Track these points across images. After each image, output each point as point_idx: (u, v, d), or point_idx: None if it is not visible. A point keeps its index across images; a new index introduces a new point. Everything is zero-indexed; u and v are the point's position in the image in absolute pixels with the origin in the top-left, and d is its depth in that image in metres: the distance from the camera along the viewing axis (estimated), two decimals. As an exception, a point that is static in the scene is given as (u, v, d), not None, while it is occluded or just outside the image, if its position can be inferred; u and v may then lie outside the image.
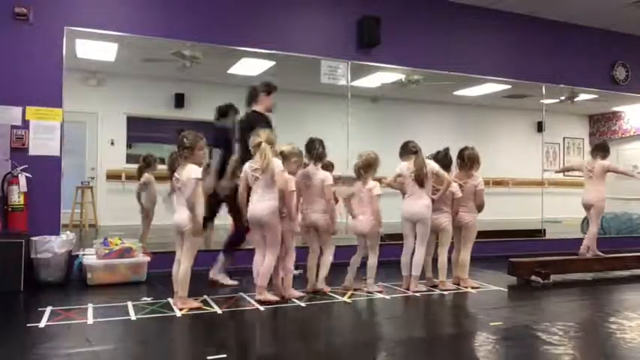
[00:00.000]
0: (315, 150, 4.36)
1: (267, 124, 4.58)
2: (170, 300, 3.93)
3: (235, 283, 4.63)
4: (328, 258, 4.36)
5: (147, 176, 5.88)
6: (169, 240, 4.17)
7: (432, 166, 4.46)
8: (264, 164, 3.91)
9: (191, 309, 3.70)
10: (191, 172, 3.78)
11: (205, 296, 4.09)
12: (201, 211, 3.77)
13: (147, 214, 5.83)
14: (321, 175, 4.32)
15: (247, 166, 4.07)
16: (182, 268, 3.76)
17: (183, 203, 3.76)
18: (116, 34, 5.34)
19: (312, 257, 4.42)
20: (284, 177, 3.99)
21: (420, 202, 4.42)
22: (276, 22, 5.91)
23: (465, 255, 4.72)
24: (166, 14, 5.44)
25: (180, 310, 3.69)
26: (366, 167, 4.38)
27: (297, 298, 4.09)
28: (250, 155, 4.08)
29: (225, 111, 5.28)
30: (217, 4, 5.65)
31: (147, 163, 5.96)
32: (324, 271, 4.36)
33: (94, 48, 6.25)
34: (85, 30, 5.18)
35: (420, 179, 4.40)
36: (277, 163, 3.98)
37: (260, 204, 3.94)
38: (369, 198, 4.35)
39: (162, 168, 5.88)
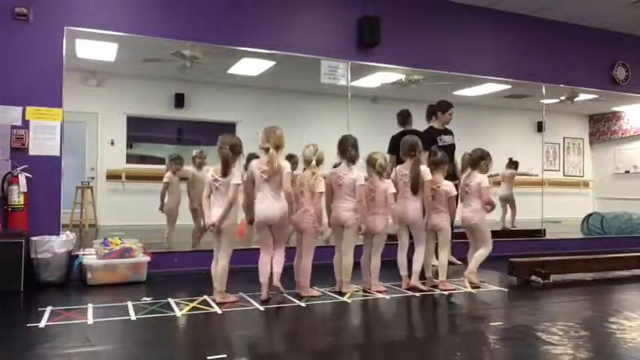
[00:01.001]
0: (348, 152, 4.39)
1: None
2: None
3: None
4: (350, 258, 4.36)
5: (169, 176, 6.19)
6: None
7: (426, 174, 4.48)
8: (274, 168, 3.96)
9: (230, 303, 3.89)
10: (233, 176, 3.91)
11: (205, 296, 4.09)
12: (236, 212, 3.96)
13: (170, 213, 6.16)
14: (353, 174, 4.33)
15: (255, 166, 4.10)
16: (220, 265, 3.93)
17: (220, 203, 3.89)
18: (116, 34, 5.34)
19: (339, 256, 4.43)
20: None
21: (411, 205, 4.46)
22: (276, 22, 5.91)
23: (483, 252, 4.75)
24: (166, 14, 5.44)
25: (220, 304, 3.84)
26: (381, 168, 4.43)
27: (315, 296, 4.20)
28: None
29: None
30: (217, 4, 5.65)
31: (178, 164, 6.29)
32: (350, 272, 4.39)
33: (94, 48, 6.25)
34: (85, 30, 5.17)
35: (414, 187, 4.44)
36: (285, 165, 4.03)
37: (273, 205, 3.99)
38: (384, 197, 4.38)
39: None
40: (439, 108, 6.00)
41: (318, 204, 4.20)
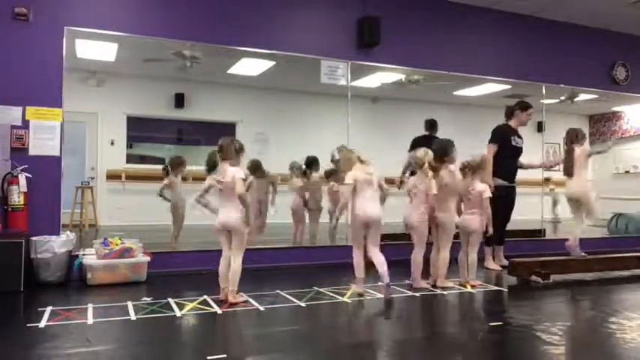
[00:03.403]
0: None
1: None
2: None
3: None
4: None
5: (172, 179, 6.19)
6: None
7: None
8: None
9: (239, 303, 3.91)
10: (235, 173, 3.93)
11: (205, 296, 4.09)
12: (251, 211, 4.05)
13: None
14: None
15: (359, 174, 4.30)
16: (234, 266, 3.94)
17: (231, 203, 3.93)
18: (116, 34, 5.34)
19: (434, 253, 4.68)
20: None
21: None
22: (276, 22, 5.91)
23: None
24: (166, 14, 5.43)
25: (232, 304, 3.87)
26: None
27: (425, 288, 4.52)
28: None
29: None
30: (217, 4, 5.65)
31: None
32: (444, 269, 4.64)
33: (94, 48, 6.26)
34: (85, 30, 5.17)
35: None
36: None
37: (372, 204, 4.25)
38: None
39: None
40: (518, 107, 6.10)
41: (434, 204, 4.51)
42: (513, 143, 5.95)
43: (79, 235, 5.92)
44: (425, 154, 4.54)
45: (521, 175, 6.23)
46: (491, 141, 5.88)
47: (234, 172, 3.91)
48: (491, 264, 5.74)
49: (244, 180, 4.00)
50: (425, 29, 6.70)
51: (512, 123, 6.09)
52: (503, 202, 5.49)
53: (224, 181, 3.93)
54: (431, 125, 6.43)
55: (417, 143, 5.83)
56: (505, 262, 5.61)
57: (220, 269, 4.04)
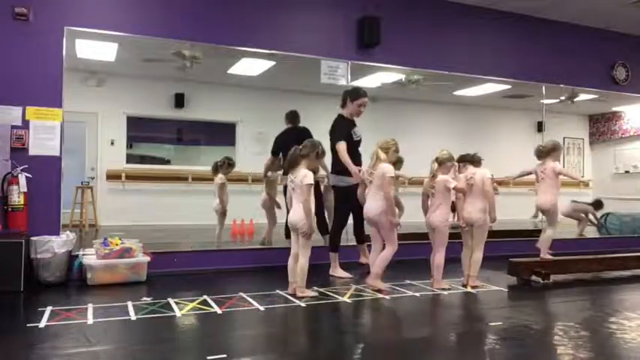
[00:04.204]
0: (468, 155, 4.85)
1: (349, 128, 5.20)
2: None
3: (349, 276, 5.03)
4: (479, 255, 4.68)
5: (221, 177, 6.47)
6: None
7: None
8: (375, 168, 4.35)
9: (309, 297, 4.11)
10: (304, 177, 4.11)
11: (205, 296, 4.09)
12: (313, 212, 4.16)
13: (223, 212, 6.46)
14: (480, 173, 4.69)
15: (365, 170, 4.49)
16: (300, 263, 4.15)
17: (298, 203, 4.14)
18: (116, 34, 5.33)
19: (467, 253, 4.74)
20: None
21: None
22: (276, 22, 5.91)
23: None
24: (166, 14, 5.43)
25: (300, 298, 4.07)
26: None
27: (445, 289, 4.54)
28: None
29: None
30: (217, 4, 5.65)
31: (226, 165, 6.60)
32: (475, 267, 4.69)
33: (94, 48, 6.25)
34: (85, 30, 5.17)
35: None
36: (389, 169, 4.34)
37: (370, 202, 4.39)
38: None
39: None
40: (349, 95, 5.35)
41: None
42: (355, 138, 5.31)
43: (79, 235, 5.92)
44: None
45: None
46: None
47: (303, 176, 4.09)
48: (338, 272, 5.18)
49: (309, 186, 4.10)
50: (425, 29, 6.70)
51: (345, 113, 5.37)
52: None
53: (295, 181, 4.14)
54: (293, 116, 6.31)
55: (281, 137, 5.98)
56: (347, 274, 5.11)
57: (289, 264, 4.26)
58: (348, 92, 5.36)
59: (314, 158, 4.23)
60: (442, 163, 4.54)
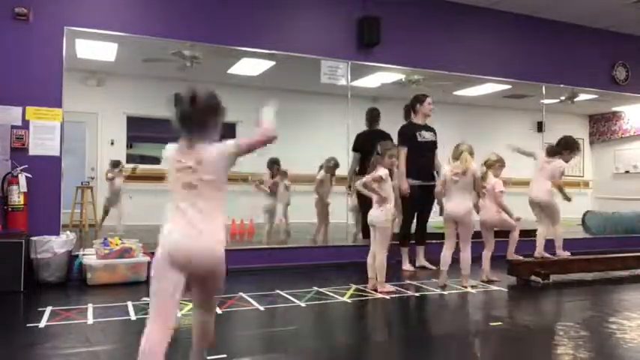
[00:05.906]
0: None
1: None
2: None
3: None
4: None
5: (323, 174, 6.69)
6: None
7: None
8: (464, 168, 4.50)
9: (388, 292, 4.30)
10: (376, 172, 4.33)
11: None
12: (391, 207, 4.35)
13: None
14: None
15: (447, 170, 4.64)
16: (378, 259, 4.32)
17: (377, 201, 4.32)
18: (116, 34, 5.34)
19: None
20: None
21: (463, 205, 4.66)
22: (276, 22, 5.91)
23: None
24: (166, 14, 5.43)
25: (380, 293, 4.27)
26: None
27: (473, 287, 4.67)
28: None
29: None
30: (217, 4, 5.65)
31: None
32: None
33: (94, 48, 6.25)
34: (85, 30, 5.17)
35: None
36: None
37: (461, 204, 4.53)
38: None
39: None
40: (416, 101, 5.78)
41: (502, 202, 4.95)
42: (420, 139, 5.64)
43: (79, 235, 5.92)
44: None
45: (521, 175, 6.20)
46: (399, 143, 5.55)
47: (377, 173, 4.30)
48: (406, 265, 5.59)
49: (380, 179, 4.30)
50: (425, 29, 6.70)
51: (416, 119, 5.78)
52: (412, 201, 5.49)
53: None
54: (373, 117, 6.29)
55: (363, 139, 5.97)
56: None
57: (368, 261, 4.45)
58: (414, 100, 5.79)
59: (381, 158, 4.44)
60: (491, 165, 4.94)
